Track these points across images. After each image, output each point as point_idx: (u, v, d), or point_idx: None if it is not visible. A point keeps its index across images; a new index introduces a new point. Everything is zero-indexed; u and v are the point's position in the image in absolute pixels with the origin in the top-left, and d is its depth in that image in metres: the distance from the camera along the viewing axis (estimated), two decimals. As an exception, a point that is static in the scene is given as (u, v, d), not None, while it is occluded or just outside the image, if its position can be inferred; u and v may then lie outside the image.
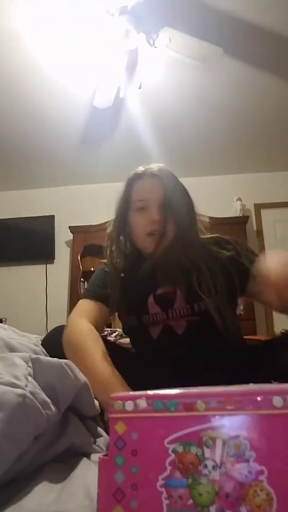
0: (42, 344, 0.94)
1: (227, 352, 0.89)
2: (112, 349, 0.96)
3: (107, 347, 0.92)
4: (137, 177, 1.00)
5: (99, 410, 0.67)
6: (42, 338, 1.00)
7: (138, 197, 0.97)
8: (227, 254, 0.94)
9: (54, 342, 0.92)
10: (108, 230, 1.04)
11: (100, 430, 0.66)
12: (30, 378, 0.48)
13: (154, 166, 1.00)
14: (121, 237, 1.03)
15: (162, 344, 0.95)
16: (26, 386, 0.46)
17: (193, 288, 0.90)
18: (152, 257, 0.97)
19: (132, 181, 1.00)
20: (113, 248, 1.02)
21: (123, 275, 1.00)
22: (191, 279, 0.91)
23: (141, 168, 1.01)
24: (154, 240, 0.94)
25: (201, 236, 1.02)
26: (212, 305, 0.89)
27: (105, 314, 0.99)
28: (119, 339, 2.24)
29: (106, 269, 1.04)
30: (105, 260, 1.06)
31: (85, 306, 0.99)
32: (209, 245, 0.98)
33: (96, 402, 0.66)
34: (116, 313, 1.06)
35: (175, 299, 0.93)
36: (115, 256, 1.02)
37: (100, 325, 0.97)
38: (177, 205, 0.96)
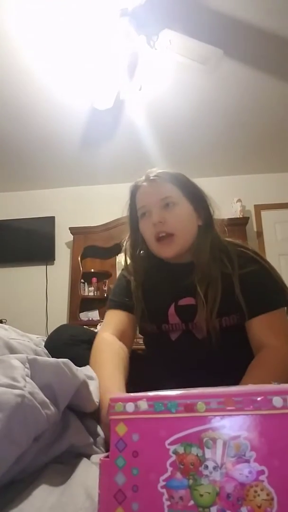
0: (45, 344, 0.94)
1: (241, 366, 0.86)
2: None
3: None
4: (136, 186, 0.99)
5: (97, 405, 0.67)
6: (44, 339, 1.00)
7: (139, 204, 0.97)
8: (248, 274, 0.89)
9: (56, 342, 0.92)
10: (124, 245, 1.05)
11: (99, 429, 0.66)
12: (28, 379, 0.48)
13: (153, 171, 0.99)
14: (138, 249, 1.03)
15: (180, 345, 0.95)
16: (24, 386, 0.46)
17: (216, 302, 0.88)
18: (174, 261, 0.97)
19: (134, 192, 1.00)
20: (130, 262, 1.03)
21: (144, 283, 1.00)
22: (213, 293, 0.88)
23: (141, 177, 1.01)
24: (162, 244, 0.92)
25: (226, 239, 0.99)
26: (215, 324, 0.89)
27: (131, 322, 0.99)
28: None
29: (127, 277, 1.04)
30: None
31: (110, 318, 1.00)
32: (229, 254, 0.93)
33: (95, 399, 0.67)
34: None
35: (196, 311, 0.91)
36: (133, 270, 1.01)
37: (127, 333, 0.96)
38: (180, 203, 0.94)
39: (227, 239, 1.00)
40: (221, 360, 0.87)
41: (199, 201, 0.97)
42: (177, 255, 0.94)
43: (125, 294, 1.01)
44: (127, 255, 1.04)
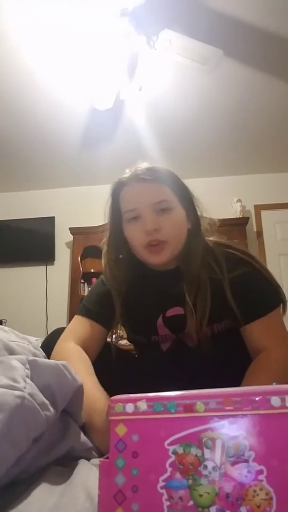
0: (41, 347, 0.93)
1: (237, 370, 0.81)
2: (113, 351, 0.94)
3: (108, 351, 0.91)
4: (121, 184, 0.88)
5: (83, 420, 0.64)
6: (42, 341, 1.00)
7: (127, 207, 0.86)
8: (236, 278, 0.84)
9: (53, 344, 0.91)
10: (104, 249, 0.94)
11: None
12: (28, 380, 0.48)
13: (141, 168, 0.88)
14: (120, 255, 0.93)
15: (172, 355, 0.91)
16: (24, 388, 0.46)
17: (205, 311, 0.83)
18: (159, 268, 0.90)
19: (118, 190, 0.89)
20: (112, 269, 0.92)
21: (127, 293, 0.92)
22: (203, 301, 0.83)
23: (126, 173, 0.89)
24: (153, 251, 0.84)
25: (210, 239, 0.92)
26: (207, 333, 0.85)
27: (99, 333, 0.92)
28: (119, 340, 2.24)
29: (106, 284, 0.95)
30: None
31: (76, 326, 0.92)
32: (217, 258, 0.87)
33: None
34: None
35: (186, 321, 0.86)
36: (116, 277, 0.92)
37: (92, 345, 0.89)
38: (175, 207, 0.86)
39: (211, 238, 0.93)
40: (214, 365, 0.84)
41: (189, 203, 0.90)
42: (167, 262, 0.87)
43: (101, 302, 0.93)
44: (107, 261, 0.93)
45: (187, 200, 0.90)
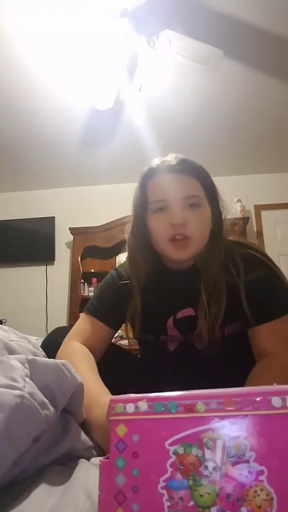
0: (42, 346, 0.94)
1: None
2: (115, 351, 0.94)
3: (110, 350, 0.91)
4: (152, 173, 0.85)
5: (84, 417, 0.64)
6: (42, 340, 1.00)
7: (154, 197, 0.83)
8: (254, 280, 0.82)
9: (53, 343, 0.91)
10: (127, 237, 0.91)
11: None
12: (27, 379, 0.48)
13: (172, 158, 0.85)
14: (143, 245, 0.89)
15: (179, 356, 0.90)
16: (24, 387, 0.46)
17: (219, 313, 0.82)
18: (174, 267, 0.88)
19: (147, 178, 0.85)
20: (135, 259, 0.89)
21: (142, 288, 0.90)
22: (218, 303, 0.82)
23: (156, 162, 0.86)
24: (177, 246, 0.81)
25: (229, 239, 0.90)
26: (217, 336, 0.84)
27: (105, 333, 0.91)
28: (118, 340, 2.24)
29: (118, 282, 0.93)
30: (117, 268, 0.98)
31: (82, 325, 0.91)
32: (235, 259, 0.85)
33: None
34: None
35: (197, 323, 0.85)
36: (137, 268, 0.89)
37: (97, 344, 0.88)
38: (203, 205, 0.83)
39: (230, 238, 0.91)
40: (221, 369, 0.82)
41: (215, 202, 0.88)
42: (188, 260, 0.85)
43: (110, 300, 0.92)
44: (130, 250, 0.90)
45: (214, 199, 0.88)
